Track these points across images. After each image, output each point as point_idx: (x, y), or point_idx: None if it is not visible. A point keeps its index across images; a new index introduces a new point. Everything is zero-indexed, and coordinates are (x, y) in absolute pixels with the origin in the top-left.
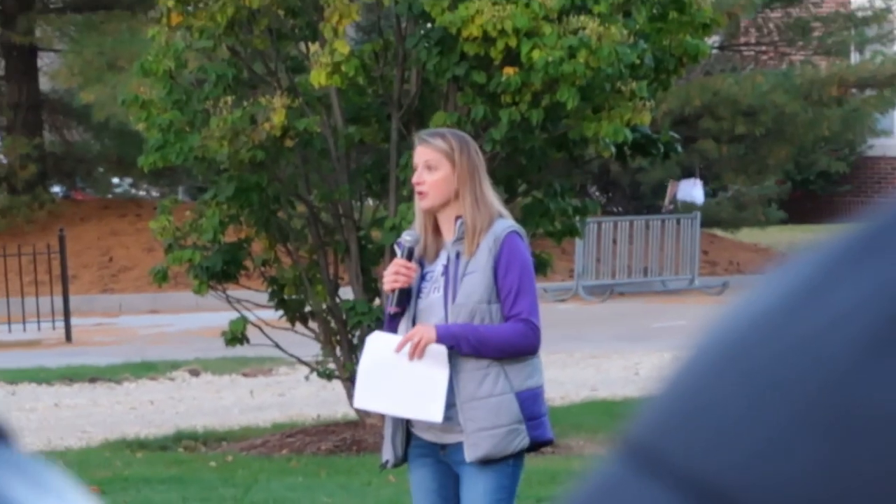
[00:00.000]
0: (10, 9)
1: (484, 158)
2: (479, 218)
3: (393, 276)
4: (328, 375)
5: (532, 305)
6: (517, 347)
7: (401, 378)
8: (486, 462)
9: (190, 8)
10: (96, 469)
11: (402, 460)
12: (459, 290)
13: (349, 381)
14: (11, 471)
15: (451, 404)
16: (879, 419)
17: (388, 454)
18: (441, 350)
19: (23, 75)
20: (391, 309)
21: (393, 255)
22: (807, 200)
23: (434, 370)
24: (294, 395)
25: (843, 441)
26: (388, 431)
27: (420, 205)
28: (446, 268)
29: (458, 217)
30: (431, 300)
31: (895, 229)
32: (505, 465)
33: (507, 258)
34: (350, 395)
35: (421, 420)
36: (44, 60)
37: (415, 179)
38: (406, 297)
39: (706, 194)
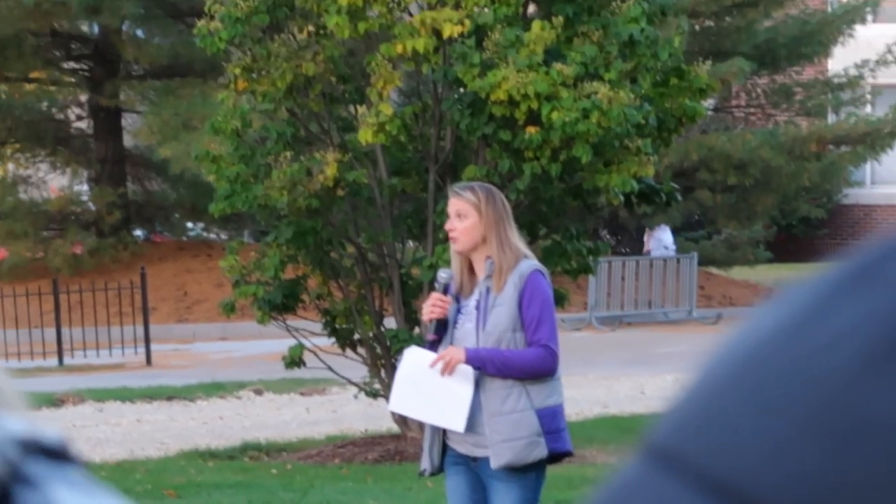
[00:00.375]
0: (98, 76)
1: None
2: (506, 259)
3: (431, 308)
4: (374, 394)
5: (551, 333)
6: (537, 369)
7: (431, 390)
8: (509, 471)
9: (254, 75)
10: (173, 476)
11: (438, 469)
12: (489, 320)
13: None
14: (69, 488)
15: (481, 420)
16: (874, 427)
17: (425, 464)
18: (468, 370)
19: (108, 133)
20: (430, 336)
21: (432, 289)
22: (790, 242)
23: (460, 386)
24: (345, 411)
25: (841, 446)
26: (426, 443)
27: (453, 248)
28: (478, 301)
29: (488, 257)
30: (465, 330)
31: (882, 263)
32: (528, 477)
33: (530, 293)
34: (393, 414)
35: (446, 427)
36: (127, 120)
37: (447, 226)
38: (443, 326)
39: (701, 238)
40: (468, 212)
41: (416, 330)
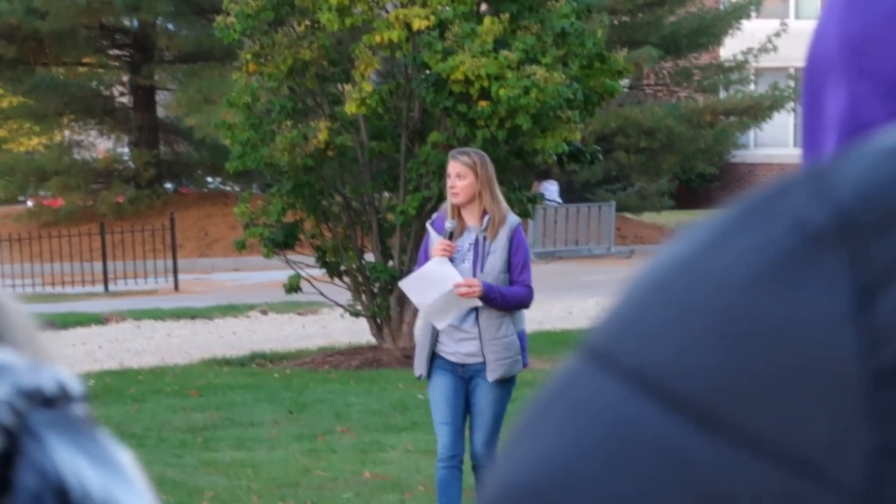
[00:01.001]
0: (137, 60)
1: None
2: (498, 213)
3: (441, 251)
4: (356, 314)
5: (530, 276)
6: (523, 303)
7: (439, 293)
8: (498, 382)
9: (262, 60)
10: (195, 379)
11: (429, 374)
12: (486, 263)
13: (371, 318)
14: (67, 440)
15: (474, 338)
16: (762, 330)
17: (420, 369)
18: (472, 301)
19: (145, 107)
20: None
21: (420, 231)
22: (689, 193)
23: (457, 305)
24: (333, 327)
25: (737, 345)
26: (419, 353)
27: (452, 201)
28: (474, 246)
29: (484, 212)
30: (463, 268)
31: (771, 201)
32: (510, 383)
33: (517, 243)
34: (371, 329)
35: (431, 320)
36: (160, 96)
37: (450, 184)
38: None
39: (618, 189)
40: (466, 173)
41: (390, 262)
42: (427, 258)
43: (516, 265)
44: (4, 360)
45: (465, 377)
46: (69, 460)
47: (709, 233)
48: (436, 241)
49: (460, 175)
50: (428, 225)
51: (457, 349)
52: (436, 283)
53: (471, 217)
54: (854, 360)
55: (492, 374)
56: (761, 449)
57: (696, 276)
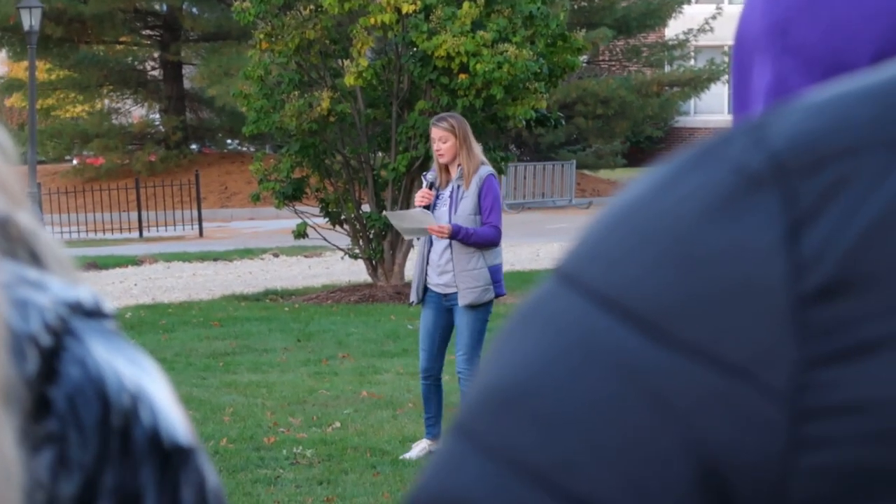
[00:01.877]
0: (166, 39)
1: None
2: (471, 165)
3: (420, 197)
4: (355, 256)
5: (498, 218)
6: (489, 240)
7: (416, 226)
8: (470, 306)
9: (273, 39)
10: (217, 312)
11: (420, 301)
12: (459, 207)
13: (367, 259)
14: (102, 339)
15: (450, 272)
16: (707, 257)
17: (413, 297)
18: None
19: (173, 79)
20: None
21: (409, 185)
22: (639, 153)
23: (424, 228)
24: (334, 268)
25: (686, 270)
26: (413, 284)
27: (440, 161)
28: (451, 193)
29: (458, 164)
30: (441, 212)
31: (717, 146)
32: (482, 310)
33: (486, 190)
34: (367, 269)
35: (405, 236)
36: (186, 70)
37: (435, 148)
38: (427, 209)
39: (578, 150)
40: (447, 137)
41: (383, 213)
42: None
43: (485, 209)
44: (47, 279)
45: (448, 306)
46: (106, 356)
47: (663, 175)
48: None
49: (442, 139)
50: (423, 177)
51: (437, 281)
52: (414, 221)
53: (455, 170)
54: (782, 284)
55: (462, 300)
56: (703, 357)
57: (652, 210)
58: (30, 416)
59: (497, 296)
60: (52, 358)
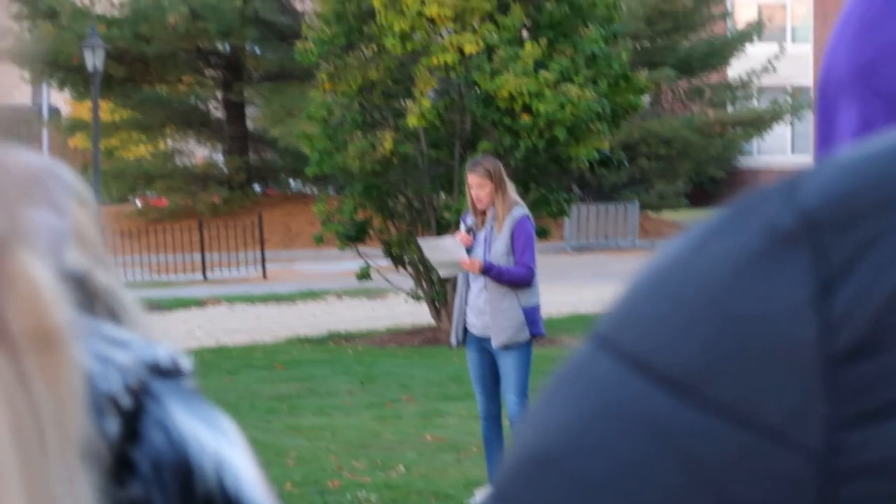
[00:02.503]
0: (229, 79)
1: (509, 170)
2: (504, 207)
3: (460, 241)
4: (418, 298)
5: (531, 258)
6: (521, 279)
7: (448, 258)
8: (506, 346)
9: (336, 79)
10: (281, 355)
11: (461, 343)
12: (492, 247)
13: (431, 302)
14: (180, 401)
15: (486, 313)
16: (737, 320)
17: (453, 339)
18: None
19: (236, 119)
20: None
21: (458, 226)
22: (701, 194)
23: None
24: (397, 310)
25: (717, 330)
26: (454, 326)
27: (477, 207)
28: (485, 234)
29: (492, 206)
30: (476, 253)
31: (755, 205)
32: (520, 349)
33: (518, 230)
34: (431, 312)
35: (438, 269)
36: (249, 110)
37: (474, 195)
38: (467, 251)
39: (641, 191)
40: (484, 183)
41: (417, 238)
42: None
43: (518, 249)
44: (126, 337)
45: (489, 349)
46: (186, 420)
47: (698, 235)
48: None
49: (480, 185)
50: (461, 220)
51: (475, 322)
52: (446, 252)
53: (489, 212)
54: (814, 343)
55: (495, 340)
56: (734, 417)
57: (685, 272)
58: (113, 478)
59: (533, 336)
60: (133, 420)
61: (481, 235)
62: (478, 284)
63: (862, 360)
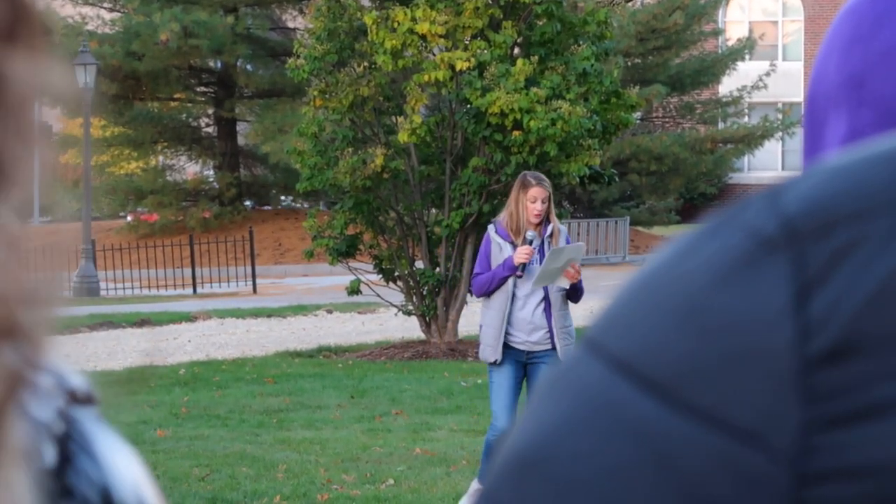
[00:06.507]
0: (220, 96)
1: (499, 187)
2: (559, 224)
3: (525, 255)
4: (408, 313)
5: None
6: (582, 293)
7: (557, 266)
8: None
9: (327, 96)
10: (271, 369)
11: (502, 360)
12: None
13: (421, 316)
14: (99, 429)
15: (544, 329)
16: (718, 324)
17: (496, 355)
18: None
19: (227, 136)
20: (518, 273)
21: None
22: (692, 210)
23: (559, 281)
24: (388, 325)
25: (697, 334)
26: (493, 342)
27: (532, 221)
28: (541, 247)
29: (549, 222)
30: (533, 268)
31: (737, 214)
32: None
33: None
34: (421, 326)
35: (538, 281)
36: (240, 127)
37: (534, 206)
38: (525, 266)
39: (632, 206)
40: (546, 197)
41: (437, 269)
42: (487, 257)
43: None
44: (45, 361)
45: (527, 362)
46: (106, 449)
47: (684, 242)
48: (503, 245)
49: (543, 200)
50: (492, 232)
51: (528, 338)
52: (567, 255)
53: (542, 227)
54: (790, 348)
55: (560, 354)
56: (712, 421)
57: (670, 277)
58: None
59: None
60: (64, 446)
61: (536, 248)
62: (533, 301)
63: (836, 365)
